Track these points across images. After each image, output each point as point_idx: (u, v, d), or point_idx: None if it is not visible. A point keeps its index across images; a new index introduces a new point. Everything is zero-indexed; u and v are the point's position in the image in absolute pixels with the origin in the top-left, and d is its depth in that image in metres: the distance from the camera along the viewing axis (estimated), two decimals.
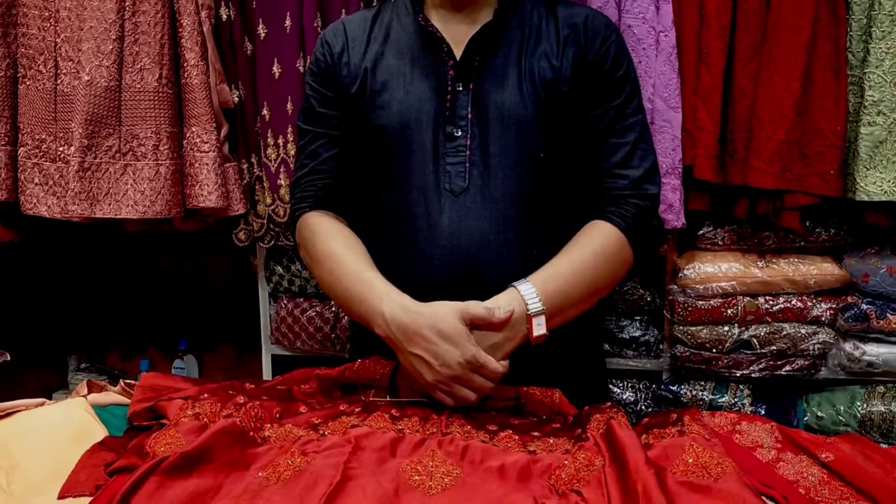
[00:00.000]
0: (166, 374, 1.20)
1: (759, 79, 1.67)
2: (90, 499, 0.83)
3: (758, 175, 1.67)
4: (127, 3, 1.75)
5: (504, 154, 1.23)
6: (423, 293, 1.17)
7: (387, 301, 1.13)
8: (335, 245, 1.26)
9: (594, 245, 1.22)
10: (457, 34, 1.26)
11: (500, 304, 1.12)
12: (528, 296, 1.13)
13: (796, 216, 1.73)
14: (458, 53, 1.25)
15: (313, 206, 1.33)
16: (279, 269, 2.12)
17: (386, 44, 1.30)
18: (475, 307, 1.10)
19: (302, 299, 2.14)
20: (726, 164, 1.74)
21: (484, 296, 1.15)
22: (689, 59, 1.70)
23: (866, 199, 1.65)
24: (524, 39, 1.27)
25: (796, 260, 1.84)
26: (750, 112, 1.68)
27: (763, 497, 0.84)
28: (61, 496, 0.85)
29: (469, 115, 1.24)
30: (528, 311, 1.13)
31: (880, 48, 1.61)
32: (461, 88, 1.24)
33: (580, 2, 1.60)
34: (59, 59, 1.79)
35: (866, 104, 1.63)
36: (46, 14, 1.79)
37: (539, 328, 1.13)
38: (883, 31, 1.60)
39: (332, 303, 2.07)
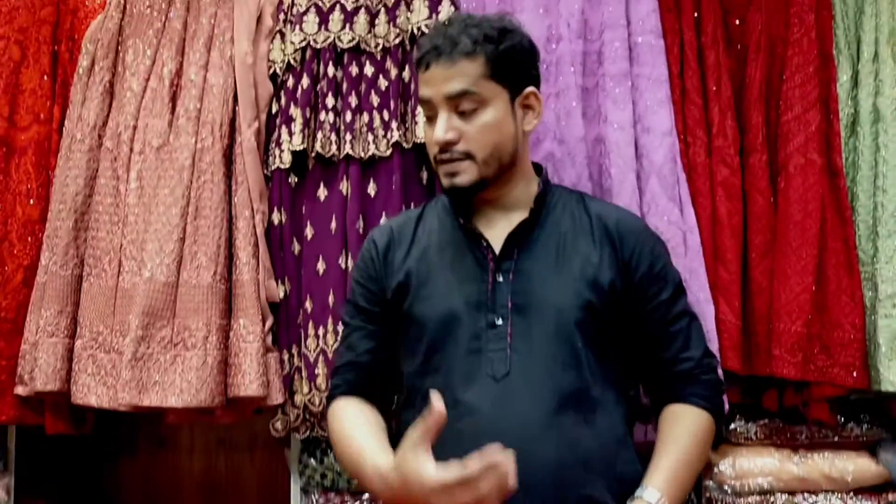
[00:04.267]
0: None
1: (774, 275, 1.75)
2: None
3: (781, 365, 1.70)
4: (190, 209, 1.91)
5: (544, 342, 1.29)
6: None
7: (371, 473, 1.20)
8: (351, 425, 1.33)
9: (691, 434, 1.30)
10: (495, 230, 1.36)
11: None
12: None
13: (825, 407, 1.74)
14: (497, 247, 1.35)
15: (345, 393, 1.41)
16: (312, 462, 2.12)
17: (429, 241, 1.41)
18: None
19: (334, 493, 2.12)
20: (751, 356, 1.78)
21: (526, 487, 1.17)
22: (707, 258, 1.79)
23: (892, 389, 1.66)
24: (561, 234, 1.36)
25: (831, 455, 1.81)
26: (768, 306, 1.75)
27: None
28: None
29: (509, 305, 1.30)
30: None
31: (888, 245, 1.70)
32: (501, 280, 1.32)
33: None
34: (123, 258, 1.93)
35: (881, 297, 1.70)
36: (115, 219, 1.97)
37: None
38: (888, 230, 1.70)
39: (365, 497, 2.05)
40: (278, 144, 1.98)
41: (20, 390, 1.96)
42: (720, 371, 1.51)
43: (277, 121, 2.01)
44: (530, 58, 1.39)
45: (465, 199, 1.37)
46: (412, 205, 1.89)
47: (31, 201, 2.06)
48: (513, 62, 1.34)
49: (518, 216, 1.37)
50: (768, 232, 1.78)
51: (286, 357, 1.98)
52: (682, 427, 1.30)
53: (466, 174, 1.32)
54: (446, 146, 1.31)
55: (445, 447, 1.26)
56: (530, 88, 1.37)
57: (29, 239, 2.04)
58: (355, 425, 1.33)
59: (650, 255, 1.36)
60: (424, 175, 1.95)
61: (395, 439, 1.37)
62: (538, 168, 1.46)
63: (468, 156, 1.31)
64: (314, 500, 2.12)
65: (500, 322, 1.30)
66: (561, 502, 1.24)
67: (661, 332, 1.35)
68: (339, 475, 2.09)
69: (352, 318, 1.45)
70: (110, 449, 2.57)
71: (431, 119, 1.34)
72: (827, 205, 1.76)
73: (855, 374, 1.70)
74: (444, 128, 1.31)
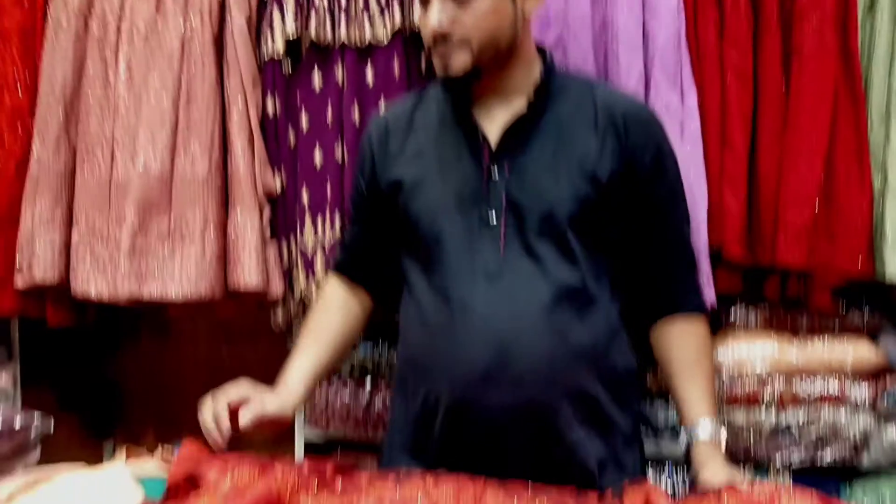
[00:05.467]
0: (206, 446, 1.21)
1: (783, 163, 1.71)
2: None
3: (785, 253, 1.69)
4: (182, 97, 1.87)
5: (538, 238, 1.26)
6: (458, 377, 1.24)
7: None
8: (313, 321, 1.46)
9: (705, 347, 1.35)
10: (493, 120, 1.31)
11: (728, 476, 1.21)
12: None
13: (827, 296, 1.73)
14: (493, 140, 1.30)
15: (336, 269, 1.50)
16: None
17: (426, 135, 1.37)
18: None
19: (336, 380, 2.15)
20: (754, 245, 1.76)
21: (518, 380, 1.23)
22: (714, 144, 1.75)
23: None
24: (561, 125, 1.31)
25: (831, 342, 1.82)
26: (775, 194, 1.71)
27: None
28: None
29: (504, 201, 1.28)
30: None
31: None
32: (496, 177, 1.29)
33: None
34: (115, 149, 1.90)
35: (890, 185, 1.66)
36: (106, 108, 1.92)
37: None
38: None
39: (367, 384, 2.09)
40: (270, 26, 1.89)
41: (19, 281, 1.97)
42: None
43: (268, 4, 1.92)
44: None
45: (460, 89, 1.31)
46: None
47: (20, 91, 2.01)
48: None
49: (519, 103, 1.31)
50: (779, 118, 1.72)
51: (285, 249, 1.97)
52: (696, 344, 1.34)
53: (460, 62, 1.25)
54: (440, 33, 1.24)
55: (440, 344, 1.27)
56: None
57: (19, 130, 2.00)
58: (311, 329, 1.44)
59: (655, 149, 1.32)
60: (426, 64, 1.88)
61: (394, 332, 1.40)
62: (543, 53, 1.39)
63: (463, 43, 1.24)
64: (317, 388, 2.16)
65: (494, 218, 1.28)
66: (553, 396, 1.25)
67: (656, 230, 1.33)
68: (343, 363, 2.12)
69: (355, 208, 1.49)
70: (114, 339, 2.61)
71: (426, 4, 1.27)
72: (840, 89, 1.69)
73: (860, 262, 1.69)
74: (437, 14, 1.24)
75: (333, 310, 1.46)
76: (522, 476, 1.13)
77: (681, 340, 1.33)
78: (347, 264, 1.49)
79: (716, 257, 1.77)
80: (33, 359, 2.27)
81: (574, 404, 1.26)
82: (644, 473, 1.48)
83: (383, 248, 1.43)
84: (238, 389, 1.28)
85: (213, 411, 1.24)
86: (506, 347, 1.23)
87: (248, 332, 2.52)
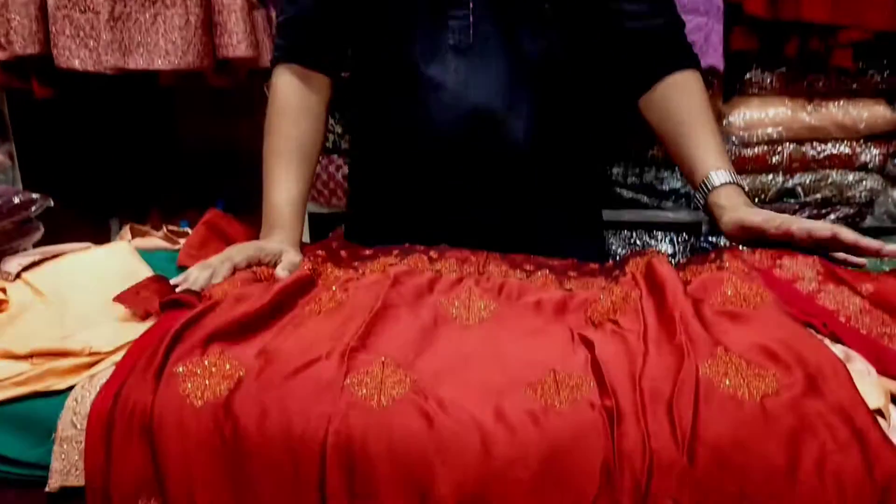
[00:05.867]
0: (227, 215, 1.18)
1: None
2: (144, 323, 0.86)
3: (811, 7, 1.58)
4: None
5: (510, 7, 1.16)
6: (431, 154, 1.18)
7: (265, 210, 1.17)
8: (277, 135, 1.22)
9: (705, 101, 1.17)
10: None
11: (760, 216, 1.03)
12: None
13: (849, 53, 1.65)
14: None
15: (287, 58, 1.24)
16: None
17: None
18: None
19: (336, 156, 2.13)
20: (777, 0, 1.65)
21: (494, 157, 1.16)
22: None
23: None
24: None
25: (846, 103, 1.77)
26: None
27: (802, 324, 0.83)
28: (116, 300, 0.87)
29: None
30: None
31: None
32: None
33: None
34: None
35: None
36: None
37: None
38: None
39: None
40: None
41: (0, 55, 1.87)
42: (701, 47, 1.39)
43: None
44: None
45: None
46: None
47: None
48: None
49: None
50: None
51: (274, 15, 1.85)
52: (695, 98, 1.18)
53: None
54: None
55: (412, 123, 1.20)
56: None
57: None
58: (280, 148, 1.22)
59: None
60: None
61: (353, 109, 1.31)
62: None
63: None
64: (318, 163, 2.14)
65: None
66: (533, 165, 1.21)
67: None
68: (341, 137, 2.08)
69: None
70: (108, 113, 2.55)
71: None
72: None
73: (886, 16, 1.58)
74: None
75: (295, 114, 1.23)
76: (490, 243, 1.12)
77: (678, 95, 1.18)
78: (298, 49, 1.24)
79: (731, 13, 1.65)
80: (31, 140, 2.23)
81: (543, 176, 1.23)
82: (603, 238, 1.46)
83: (336, 16, 1.24)
84: (243, 252, 1.04)
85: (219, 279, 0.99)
86: (481, 124, 1.17)
87: (243, 107, 2.45)
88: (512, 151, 1.19)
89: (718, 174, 1.09)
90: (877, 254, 0.94)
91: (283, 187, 1.18)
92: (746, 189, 1.10)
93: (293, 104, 1.23)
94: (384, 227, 1.27)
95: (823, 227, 0.96)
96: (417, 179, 1.23)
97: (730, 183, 1.08)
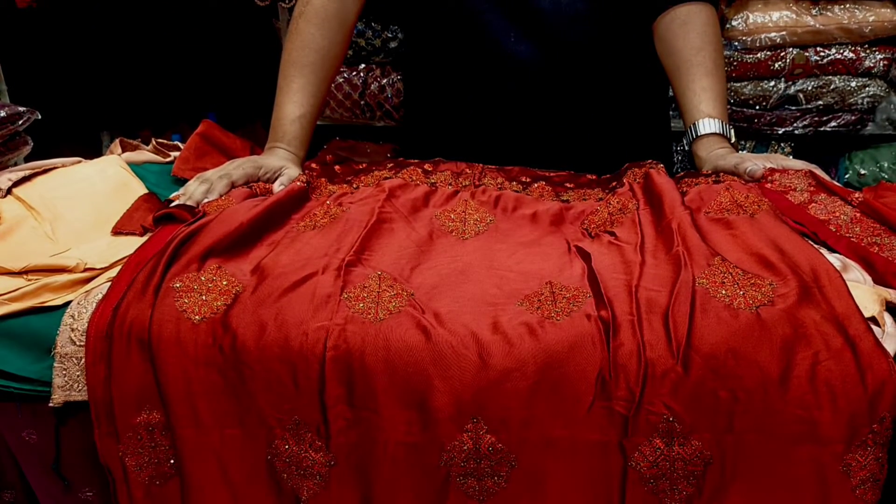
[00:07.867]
0: (222, 129, 1.16)
1: None
2: (138, 238, 0.85)
3: None
4: None
5: None
6: (494, 102, 1.16)
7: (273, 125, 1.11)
8: (300, 40, 1.13)
9: (703, 34, 1.13)
10: None
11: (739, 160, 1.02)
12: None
13: None
14: None
15: None
16: None
17: None
18: None
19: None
20: None
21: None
22: None
23: None
24: None
25: (852, 6, 1.71)
26: None
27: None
28: (115, 232, 0.87)
29: None
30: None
31: None
32: None
33: None
34: None
35: None
36: None
37: None
38: None
39: (360, 69, 2.01)
40: None
41: None
42: None
43: None
44: None
45: None
46: None
47: None
48: None
49: None
50: None
51: None
52: (698, 31, 1.13)
53: None
54: None
55: (467, 80, 1.17)
56: None
57: None
58: (301, 56, 1.12)
59: None
60: None
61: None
62: None
63: None
64: None
65: None
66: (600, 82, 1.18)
67: None
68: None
69: None
70: (96, 25, 2.47)
71: None
72: None
73: None
74: None
75: (329, 22, 1.13)
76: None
77: (682, 31, 1.14)
78: None
79: None
80: (18, 55, 2.19)
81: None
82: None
83: None
84: (241, 168, 0.99)
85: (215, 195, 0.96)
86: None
87: (234, 16, 2.38)
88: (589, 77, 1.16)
89: (704, 123, 1.08)
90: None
91: (297, 101, 1.11)
92: (733, 139, 1.09)
93: (331, 11, 1.13)
94: (443, 143, 1.21)
95: (797, 163, 0.99)
96: (486, 98, 1.18)
97: (713, 134, 1.07)
